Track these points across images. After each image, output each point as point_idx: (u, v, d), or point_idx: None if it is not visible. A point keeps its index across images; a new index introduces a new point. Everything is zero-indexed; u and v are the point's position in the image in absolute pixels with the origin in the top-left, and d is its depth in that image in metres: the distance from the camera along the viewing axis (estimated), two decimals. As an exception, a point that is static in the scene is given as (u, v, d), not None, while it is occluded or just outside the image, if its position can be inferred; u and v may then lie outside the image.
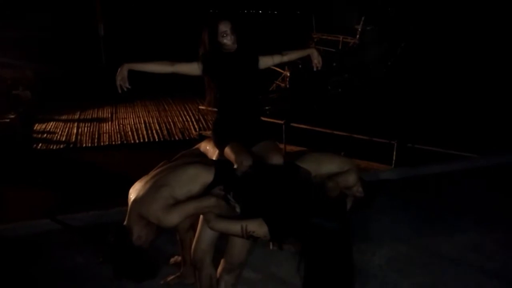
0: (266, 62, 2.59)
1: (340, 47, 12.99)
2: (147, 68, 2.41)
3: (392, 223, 3.59)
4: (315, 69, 2.70)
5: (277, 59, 2.65)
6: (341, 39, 12.97)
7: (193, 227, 2.59)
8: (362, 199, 2.59)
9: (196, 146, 2.84)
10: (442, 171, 4.81)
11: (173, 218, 2.12)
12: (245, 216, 2.08)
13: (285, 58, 2.72)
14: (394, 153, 7.13)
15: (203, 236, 2.37)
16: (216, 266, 2.44)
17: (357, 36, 12.74)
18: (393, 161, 7.18)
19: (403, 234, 3.45)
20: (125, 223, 2.25)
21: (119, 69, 2.33)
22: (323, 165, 2.52)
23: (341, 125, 8.04)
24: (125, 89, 2.33)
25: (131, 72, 2.35)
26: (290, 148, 8.27)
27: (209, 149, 2.67)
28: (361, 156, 7.20)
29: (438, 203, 3.96)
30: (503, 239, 3.38)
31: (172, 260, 3.03)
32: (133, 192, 2.26)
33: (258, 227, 2.01)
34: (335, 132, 7.83)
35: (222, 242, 2.40)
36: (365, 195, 2.57)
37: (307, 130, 8.14)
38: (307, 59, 2.68)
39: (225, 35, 2.43)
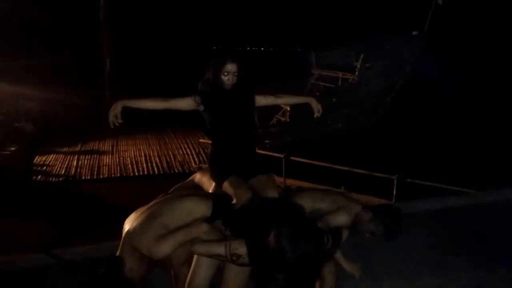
0: (259, 101, 2.62)
1: (339, 83, 13.25)
2: (141, 105, 2.44)
3: (394, 260, 3.52)
4: (316, 116, 2.74)
5: (270, 100, 2.68)
6: (340, 75, 13.26)
7: (188, 262, 2.54)
8: (380, 234, 2.40)
9: (191, 178, 2.82)
10: (442, 206, 4.76)
11: (164, 248, 2.07)
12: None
13: (280, 101, 2.80)
14: (394, 188, 7.10)
15: (198, 272, 2.32)
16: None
17: (356, 73, 13.03)
18: (393, 196, 7.14)
19: (405, 271, 3.37)
20: (117, 254, 2.21)
21: (113, 106, 2.37)
22: (316, 203, 2.51)
23: (341, 159, 8.04)
24: (117, 125, 2.38)
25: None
26: (290, 181, 8.24)
27: (205, 181, 2.65)
28: (361, 191, 7.17)
29: (439, 240, 3.89)
30: (505, 276, 3.32)
31: (166, 296, 2.96)
32: (127, 224, 2.24)
33: (240, 245, 2.01)
34: (335, 166, 7.82)
35: (216, 278, 2.35)
36: (383, 229, 2.44)
37: (307, 164, 8.14)
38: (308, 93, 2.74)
39: (228, 74, 2.48)
